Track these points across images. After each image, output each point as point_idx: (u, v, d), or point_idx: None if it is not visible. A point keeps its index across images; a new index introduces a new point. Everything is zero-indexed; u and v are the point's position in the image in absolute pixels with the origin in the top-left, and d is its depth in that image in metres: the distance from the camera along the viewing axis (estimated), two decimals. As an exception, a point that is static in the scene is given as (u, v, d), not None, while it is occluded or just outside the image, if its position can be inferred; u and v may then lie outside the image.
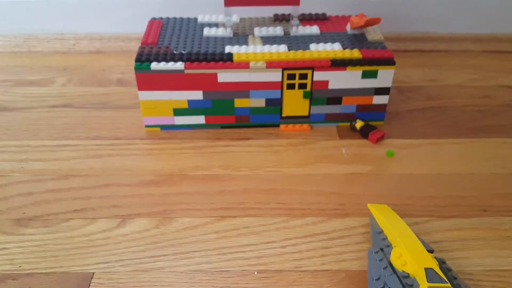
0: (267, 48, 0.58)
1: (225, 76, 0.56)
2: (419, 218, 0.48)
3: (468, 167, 0.55)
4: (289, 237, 0.46)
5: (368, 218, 0.47)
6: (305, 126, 0.61)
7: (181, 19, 0.66)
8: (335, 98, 0.59)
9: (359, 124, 0.60)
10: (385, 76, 0.57)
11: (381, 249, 0.40)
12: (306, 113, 0.60)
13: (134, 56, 0.57)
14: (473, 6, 0.79)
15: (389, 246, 0.40)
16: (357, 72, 0.57)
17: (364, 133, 0.59)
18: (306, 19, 0.66)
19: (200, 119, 0.60)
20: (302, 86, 0.58)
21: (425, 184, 0.52)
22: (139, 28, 0.68)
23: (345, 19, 0.66)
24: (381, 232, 0.43)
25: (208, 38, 0.61)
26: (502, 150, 0.57)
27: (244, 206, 0.49)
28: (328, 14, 0.67)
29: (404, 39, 0.81)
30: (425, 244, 0.40)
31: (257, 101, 0.59)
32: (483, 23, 0.81)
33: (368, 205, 0.47)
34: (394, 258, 0.38)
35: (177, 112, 0.59)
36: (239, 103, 0.58)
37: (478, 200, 0.50)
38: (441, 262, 0.39)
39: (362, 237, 0.46)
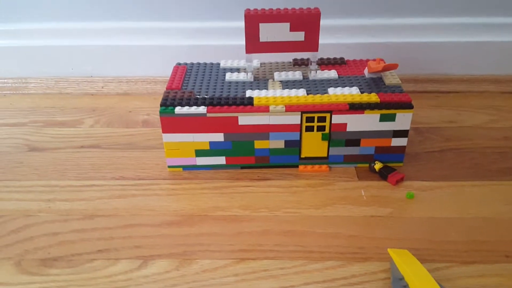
0: (286, 92, 0.60)
1: (245, 119, 0.58)
2: (440, 264, 0.47)
3: (490, 211, 0.54)
4: (308, 281, 0.46)
5: (389, 263, 0.47)
6: (324, 167, 0.62)
7: (205, 64, 0.69)
8: (354, 140, 0.60)
9: (378, 165, 0.60)
10: (403, 119, 0.58)
11: (402, 296, 0.40)
12: (324, 154, 0.61)
13: (160, 98, 0.59)
14: (491, 47, 0.80)
15: (410, 294, 0.40)
16: (375, 115, 0.58)
17: (383, 174, 0.60)
18: (324, 63, 0.68)
19: (221, 160, 0.61)
20: (320, 128, 0.59)
21: (446, 228, 0.52)
22: (165, 72, 0.72)
23: (362, 63, 0.68)
24: (402, 278, 0.42)
25: (230, 82, 0.63)
26: (524, 194, 0.57)
27: (263, 248, 0.50)
28: (346, 58, 0.69)
29: (422, 80, 0.82)
30: (447, 292, 0.39)
31: (277, 143, 0.60)
32: (501, 64, 0.82)
33: (388, 249, 0.47)
34: (415, 306, 0.38)
35: (199, 153, 0.61)
36: (259, 144, 0.60)
37: (501, 245, 0.49)
38: (464, 312, 0.38)
39: (383, 283, 0.45)
